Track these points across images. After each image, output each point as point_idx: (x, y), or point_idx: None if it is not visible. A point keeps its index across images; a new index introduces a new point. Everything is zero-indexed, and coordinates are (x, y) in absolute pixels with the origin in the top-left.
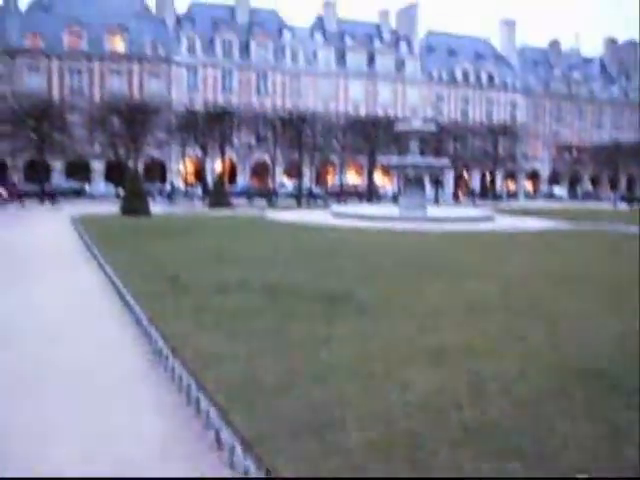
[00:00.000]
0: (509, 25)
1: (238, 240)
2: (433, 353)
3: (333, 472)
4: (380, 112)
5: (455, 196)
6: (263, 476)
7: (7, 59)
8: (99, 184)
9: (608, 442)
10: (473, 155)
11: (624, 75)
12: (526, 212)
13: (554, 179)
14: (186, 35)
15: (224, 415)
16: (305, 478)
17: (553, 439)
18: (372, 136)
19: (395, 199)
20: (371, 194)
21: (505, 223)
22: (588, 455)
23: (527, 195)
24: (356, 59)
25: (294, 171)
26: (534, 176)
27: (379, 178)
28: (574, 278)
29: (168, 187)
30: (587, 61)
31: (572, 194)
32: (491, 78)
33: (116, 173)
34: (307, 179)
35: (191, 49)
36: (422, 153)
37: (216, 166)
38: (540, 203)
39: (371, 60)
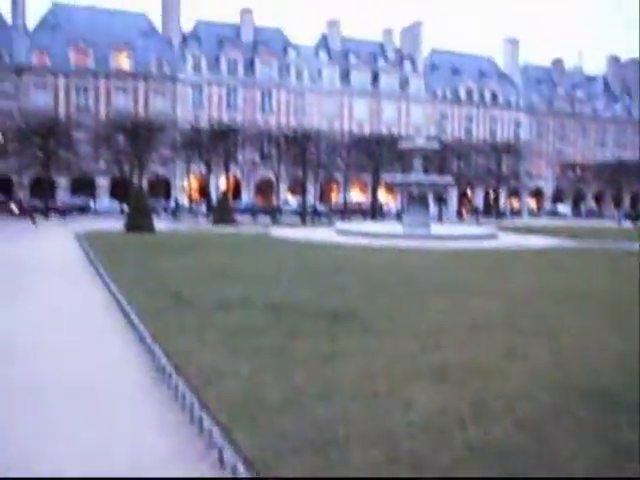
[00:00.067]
0: (513, 44)
1: (242, 257)
2: (436, 371)
3: None
4: (384, 130)
5: (459, 214)
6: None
7: (14, 77)
8: (104, 200)
9: (611, 460)
10: (477, 173)
11: (627, 93)
12: (529, 230)
13: (558, 197)
14: (191, 53)
15: (227, 434)
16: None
17: (557, 458)
18: (376, 154)
19: (399, 216)
20: (375, 212)
21: (509, 241)
22: (592, 473)
23: (531, 213)
24: (360, 77)
25: (298, 188)
26: (538, 194)
27: (383, 196)
28: (577, 296)
29: (172, 204)
30: (590, 79)
31: (576, 212)
32: (495, 96)
33: (121, 190)
34: (311, 196)
35: (196, 67)
36: (426, 171)
37: (220, 183)
38: (544, 221)
39: (375, 78)
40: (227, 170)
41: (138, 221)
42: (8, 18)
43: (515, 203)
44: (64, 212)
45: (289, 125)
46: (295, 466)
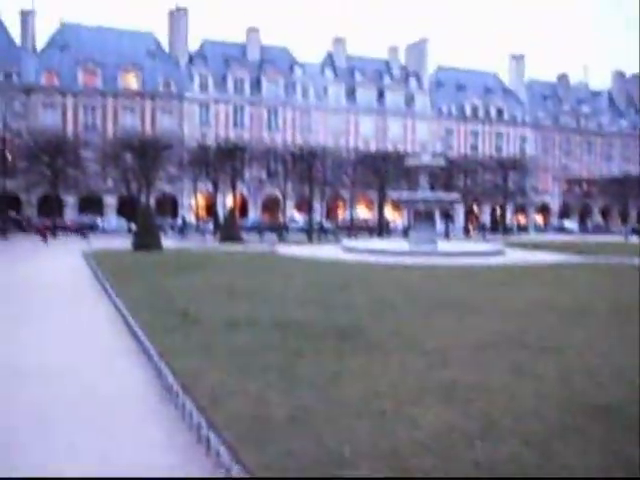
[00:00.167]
0: (518, 59)
1: (248, 275)
2: (443, 390)
3: None
4: (390, 147)
5: (465, 230)
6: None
7: (23, 96)
8: (111, 219)
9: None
10: (483, 189)
11: (632, 108)
12: (536, 246)
13: (564, 212)
14: (198, 72)
15: (234, 454)
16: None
17: (565, 473)
18: (382, 171)
19: (406, 233)
20: (382, 228)
21: (516, 257)
22: None
23: (537, 228)
24: (366, 95)
25: (305, 205)
26: (544, 209)
27: (389, 212)
28: (585, 313)
29: (180, 222)
30: (595, 94)
31: (583, 227)
32: (500, 112)
33: (128, 208)
34: (318, 213)
35: (203, 86)
36: (432, 187)
37: (227, 201)
38: (551, 236)
39: (381, 96)
40: (234, 188)
41: (145, 239)
42: (16, 38)
43: (522, 219)
44: (79, 230)
45: (295, 143)
46: None
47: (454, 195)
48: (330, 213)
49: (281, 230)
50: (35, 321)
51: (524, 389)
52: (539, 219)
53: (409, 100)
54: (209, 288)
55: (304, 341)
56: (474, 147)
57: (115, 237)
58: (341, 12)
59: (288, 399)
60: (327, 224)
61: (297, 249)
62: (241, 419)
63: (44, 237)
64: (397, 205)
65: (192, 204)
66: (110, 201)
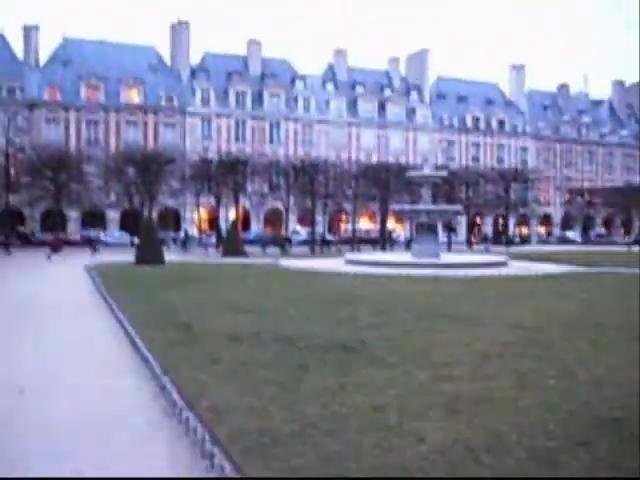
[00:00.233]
0: (518, 70)
1: (251, 289)
2: (448, 403)
3: None
4: (391, 159)
5: (468, 242)
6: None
7: (26, 111)
8: (114, 233)
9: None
10: (485, 200)
11: (633, 117)
12: (539, 257)
13: (567, 223)
14: (200, 86)
15: (238, 469)
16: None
17: None
18: (384, 183)
19: (408, 245)
20: (384, 241)
21: (519, 268)
22: None
23: (540, 239)
24: (367, 107)
25: (307, 218)
26: (546, 220)
27: (392, 224)
28: (589, 324)
29: (182, 235)
30: (596, 104)
31: (585, 237)
32: (501, 123)
33: (131, 222)
34: (320, 226)
35: (205, 100)
36: (434, 199)
37: (230, 214)
38: (553, 247)
39: (382, 108)
40: (236, 201)
41: (148, 253)
42: (19, 53)
43: (524, 230)
44: (91, 243)
45: (297, 156)
46: None
47: (456, 207)
48: (332, 226)
49: (284, 243)
50: (37, 335)
51: (530, 402)
52: (541, 230)
53: (410, 112)
54: (212, 302)
55: (307, 355)
56: (475, 158)
57: (118, 251)
58: (342, 23)
59: (292, 414)
60: (330, 237)
61: (300, 262)
62: (245, 434)
63: (55, 250)
64: (400, 217)
65: (195, 218)
66: (113, 215)
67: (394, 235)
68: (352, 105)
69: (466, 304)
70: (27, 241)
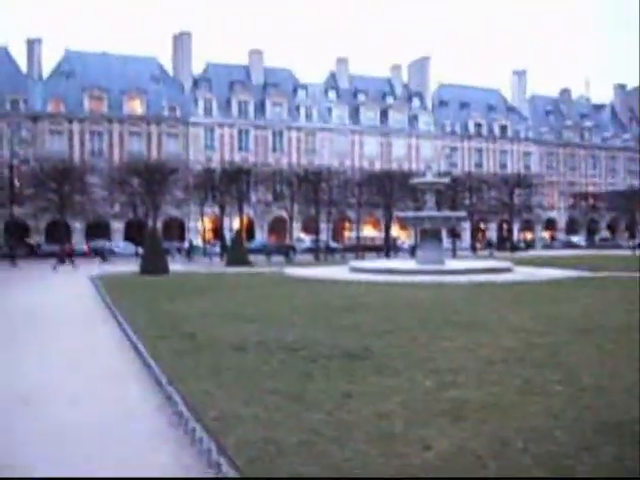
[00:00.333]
0: (520, 75)
1: (256, 298)
2: (454, 410)
3: None
4: (394, 166)
5: (472, 248)
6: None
7: (30, 124)
8: (119, 243)
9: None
10: (489, 206)
11: (635, 120)
12: (544, 262)
13: (571, 227)
14: (203, 96)
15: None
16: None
17: None
18: (387, 190)
19: (413, 252)
20: (389, 248)
21: (523, 274)
22: None
23: (544, 244)
24: (369, 115)
25: (311, 226)
26: (551, 225)
27: (396, 231)
28: (595, 329)
29: (187, 245)
30: (598, 108)
31: (590, 242)
32: (503, 129)
33: (135, 232)
34: (324, 234)
35: (207, 110)
36: (438, 205)
37: (234, 223)
38: (558, 252)
39: (384, 115)
40: (240, 210)
41: (153, 263)
42: (23, 66)
43: (528, 235)
44: (100, 253)
45: (300, 164)
46: None
47: (460, 213)
48: (337, 233)
49: (288, 252)
50: (43, 347)
51: (535, 407)
52: (546, 235)
53: (412, 119)
54: (216, 311)
55: (312, 363)
56: (478, 164)
57: (123, 261)
58: (343, 32)
59: (297, 423)
60: (334, 244)
61: (304, 270)
62: (250, 443)
63: (61, 261)
64: (404, 224)
65: (199, 227)
66: (117, 226)
67: (398, 242)
68: (354, 113)
69: (471, 310)
70: (33, 252)
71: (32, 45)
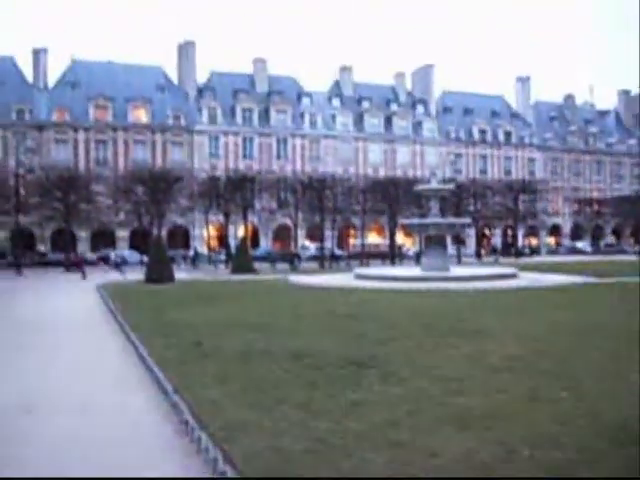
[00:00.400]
0: (523, 81)
1: (261, 306)
2: (460, 418)
3: None
4: (399, 173)
5: (477, 254)
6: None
7: (35, 133)
8: (124, 252)
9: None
10: (494, 212)
11: (639, 126)
12: (549, 268)
13: (576, 233)
14: (207, 105)
15: None
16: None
17: None
18: (392, 197)
19: (418, 259)
20: (393, 255)
21: (528, 280)
22: None
23: (549, 250)
24: (373, 122)
25: (316, 234)
26: (556, 231)
27: (401, 238)
28: (600, 335)
29: (192, 253)
30: (602, 113)
31: (595, 247)
32: (508, 135)
33: (140, 240)
34: (329, 241)
35: (212, 118)
36: (443, 212)
37: (239, 231)
38: (563, 258)
39: (388, 122)
40: (245, 218)
41: (158, 272)
42: (28, 75)
43: (533, 241)
44: (118, 265)
45: (305, 172)
46: None
47: (465, 219)
48: (341, 241)
49: (293, 259)
50: (49, 353)
51: (541, 414)
52: (551, 241)
53: (417, 126)
54: (222, 319)
55: (318, 371)
56: (483, 171)
57: (128, 269)
58: (347, 39)
59: (304, 431)
60: (339, 251)
61: (309, 278)
62: (257, 452)
63: (68, 270)
64: (408, 231)
65: (204, 235)
66: (122, 234)
67: (403, 249)
68: (359, 120)
69: (476, 317)
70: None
71: (38, 55)
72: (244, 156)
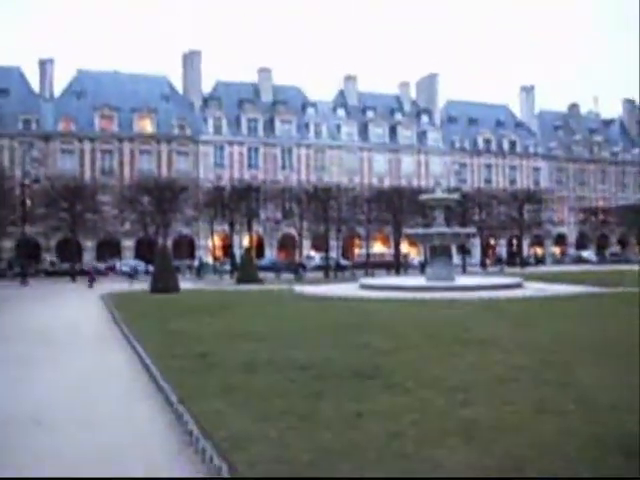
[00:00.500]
0: (528, 91)
1: (266, 316)
2: (465, 429)
3: None
4: (404, 183)
5: (482, 263)
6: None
7: (42, 143)
8: (129, 262)
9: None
10: (499, 222)
11: None
12: (555, 277)
13: (581, 242)
14: (212, 115)
15: None
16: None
17: None
18: (397, 207)
19: (423, 268)
20: (398, 264)
21: (534, 290)
22: None
23: (555, 259)
24: (378, 132)
25: (321, 243)
26: (561, 240)
27: (406, 247)
28: (606, 345)
29: (197, 263)
30: (607, 123)
31: (600, 257)
32: (513, 145)
33: (146, 250)
34: (334, 251)
35: (217, 128)
36: (447, 222)
37: (244, 241)
38: (568, 267)
39: (393, 132)
40: (250, 228)
41: (163, 281)
42: (35, 85)
43: (539, 250)
44: (132, 275)
45: (310, 181)
46: None
47: (470, 229)
48: (346, 250)
49: (298, 269)
50: (53, 364)
51: (547, 426)
52: (556, 250)
53: (421, 135)
54: (227, 330)
55: (323, 382)
56: (488, 180)
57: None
58: (351, 49)
59: (308, 442)
60: (344, 261)
61: (314, 288)
62: (262, 462)
63: (91, 279)
64: (413, 240)
65: (209, 245)
66: (128, 244)
67: (409, 258)
68: (363, 130)
69: (481, 327)
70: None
71: (44, 65)
72: (249, 166)
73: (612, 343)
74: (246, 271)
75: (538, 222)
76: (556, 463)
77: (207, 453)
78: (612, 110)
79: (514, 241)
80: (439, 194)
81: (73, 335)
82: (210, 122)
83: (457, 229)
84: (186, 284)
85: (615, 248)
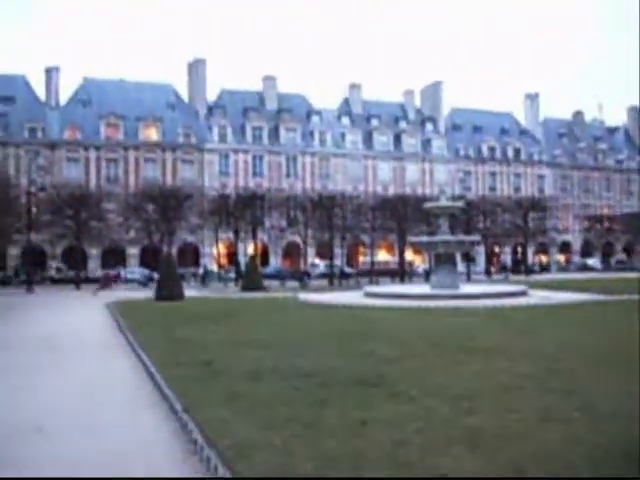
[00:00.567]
0: (532, 99)
1: (271, 324)
2: (470, 437)
3: None
4: (408, 191)
5: (487, 271)
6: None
7: (47, 151)
8: (134, 269)
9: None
10: (503, 230)
11: None
12: (560, 285)
13: (586, 250)
14: (217, 123)
15: None
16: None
17: None
18: (401, 215)
19: (427, 276)
20: (403, 272)
21: (539, 298)
22: None
23: (560, 267)
24: (383, 140)
25: (325, 251)
26: (566, 248)
27: (411, 255)
28: (611, 353)
29: (201, 271)
30: (611, 130)
31: (606, 265)
32: (517, 152)
33: (151, 258)
34: (338, 259)
35: (222, 136)
36: (452, 230)
37: (248, 249)
38: (573, 275)
39: (397, 140)
40: (254, 236)
41: (168, 289)
42: (41, 94)
43: (543, 258)
44: (145, 283)
45: (314, 189)
46: None
47: (474, 237)
48: (351, 258)
49: (302, 277)
50: (59, 370)
51: (552, 434)
52: (561, 258)
53: (426, 143)
54: (231, 338)
55: (327, 390)
56: (492, 188)
57: (138, 287)
58: (356, 57)
59: (313, 450)
60: (348, 269)
61: (319, 296)
62: (266, 471)
63: (104, 286)
64: (418, 248)
65: (214, 253)
66: (133, 252)
67: (413, 266)
68: (368, 138)
69: (486, 335)
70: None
71: (50, 73)
72: (254, 174)
73: (617, 351)
74: (251, 279)
75: (543, 230)
76: (561, 472)
77: (212, 462)
78: (615, 115)
79: (519, 249)
80: (443, 202)
81: (78, 342)
82: (215, 130)
83: (462, 237)
84: (191, 292)
85: (620, 256)
